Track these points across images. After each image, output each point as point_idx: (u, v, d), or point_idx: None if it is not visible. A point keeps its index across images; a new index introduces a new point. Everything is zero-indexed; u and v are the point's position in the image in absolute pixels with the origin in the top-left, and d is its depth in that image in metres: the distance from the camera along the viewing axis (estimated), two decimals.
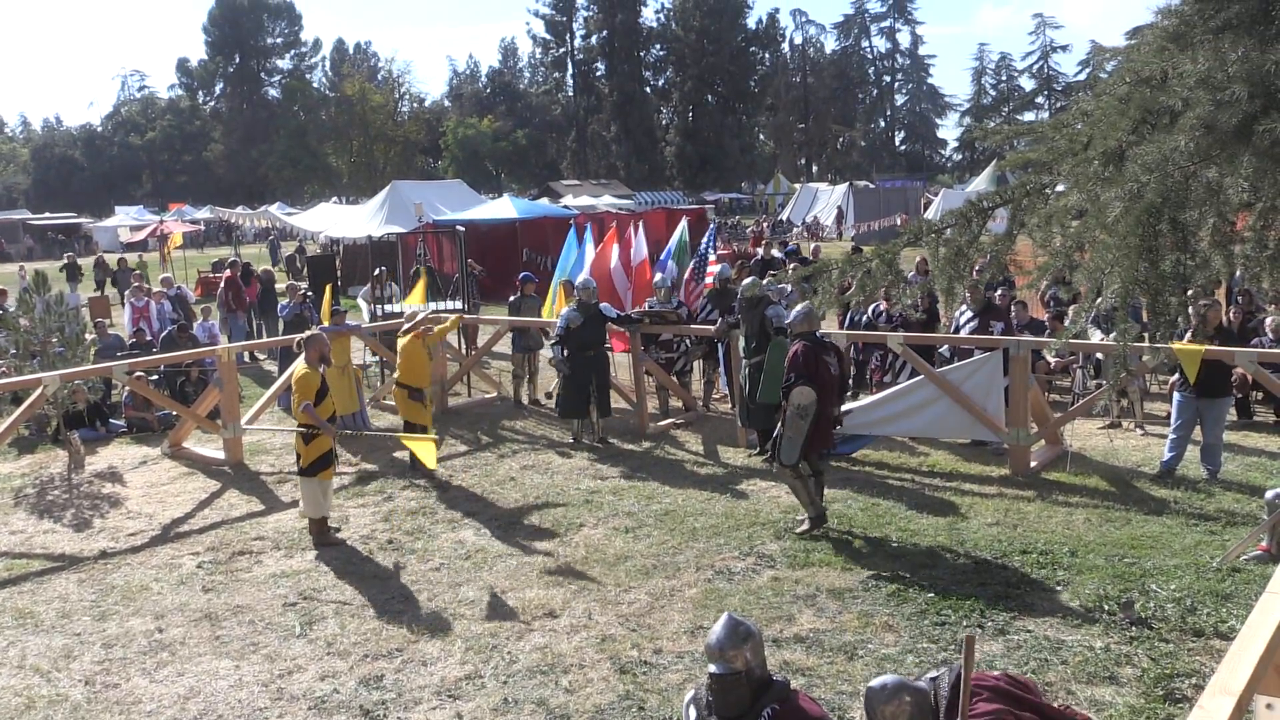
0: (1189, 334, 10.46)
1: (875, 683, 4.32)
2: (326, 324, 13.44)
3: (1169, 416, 12.04)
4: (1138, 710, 5.89)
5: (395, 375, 11.89)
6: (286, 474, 11.68)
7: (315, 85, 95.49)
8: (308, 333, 9.98)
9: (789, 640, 7.00)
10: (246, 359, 18.83)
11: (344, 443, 12.21)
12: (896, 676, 4.44)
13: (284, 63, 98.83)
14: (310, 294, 18.07)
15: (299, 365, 9.67)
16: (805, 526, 9.06)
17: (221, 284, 20.41)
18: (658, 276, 14.87)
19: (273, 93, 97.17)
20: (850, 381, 14.27)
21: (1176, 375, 11.02)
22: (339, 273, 28.21)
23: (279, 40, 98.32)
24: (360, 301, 19.68)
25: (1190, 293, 10.10)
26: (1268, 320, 12.05)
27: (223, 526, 10.08)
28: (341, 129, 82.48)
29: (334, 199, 67.80)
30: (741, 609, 7.52)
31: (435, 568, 8.73)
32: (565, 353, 12.19)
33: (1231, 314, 12.62)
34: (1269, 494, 8.46)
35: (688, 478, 11.03)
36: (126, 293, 22.26)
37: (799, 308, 9.28)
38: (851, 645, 6.89)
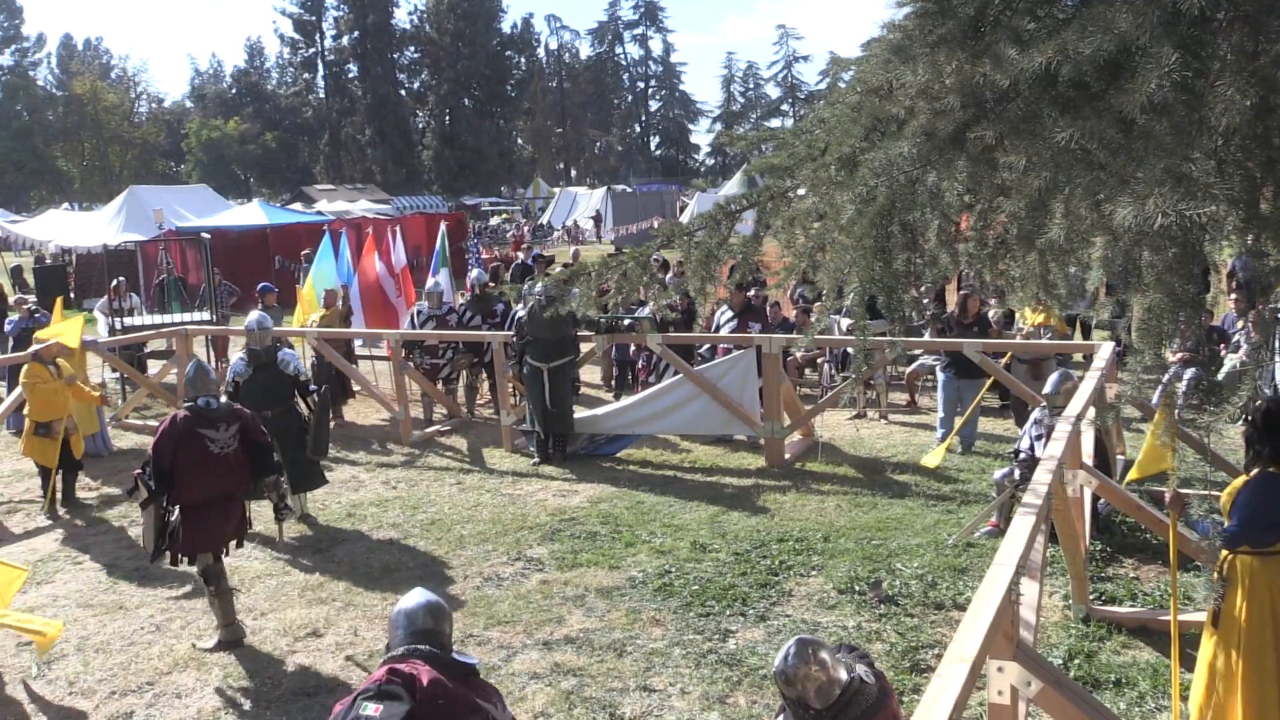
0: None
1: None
2: None
3: (908, 405, 12.96)
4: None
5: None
6: (16, 504, 10.83)
7: (41, 83, 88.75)
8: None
9: (559, 642, 7.04)
10: None
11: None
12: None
13: (4, 59, 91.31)
14: (38, 308, 16.79)
15: None
16: (210, 644, 7.31)
17: None
18: (430, 282, 14.65)
19: None
20: (613, 383, 14.62)
21: (941, 357, 11.86)
22: (71, 284, 26.38)
23: None
24: (97, 314, 18.40)
25: (924, 288, 10.87)
26: (990, 313, 13.04)
27: None
28: (72, 130, 77.13)
29: (65, 205, 63.22)
30: (511, 614, 7.51)
31: (187, 593, 8.27)
32: None
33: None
34: (997, 474, 9.21)
35: (453, 485, 10.91)
36: None
37: (189, 366, 7.92)
38: (620, 642, 6.99)
